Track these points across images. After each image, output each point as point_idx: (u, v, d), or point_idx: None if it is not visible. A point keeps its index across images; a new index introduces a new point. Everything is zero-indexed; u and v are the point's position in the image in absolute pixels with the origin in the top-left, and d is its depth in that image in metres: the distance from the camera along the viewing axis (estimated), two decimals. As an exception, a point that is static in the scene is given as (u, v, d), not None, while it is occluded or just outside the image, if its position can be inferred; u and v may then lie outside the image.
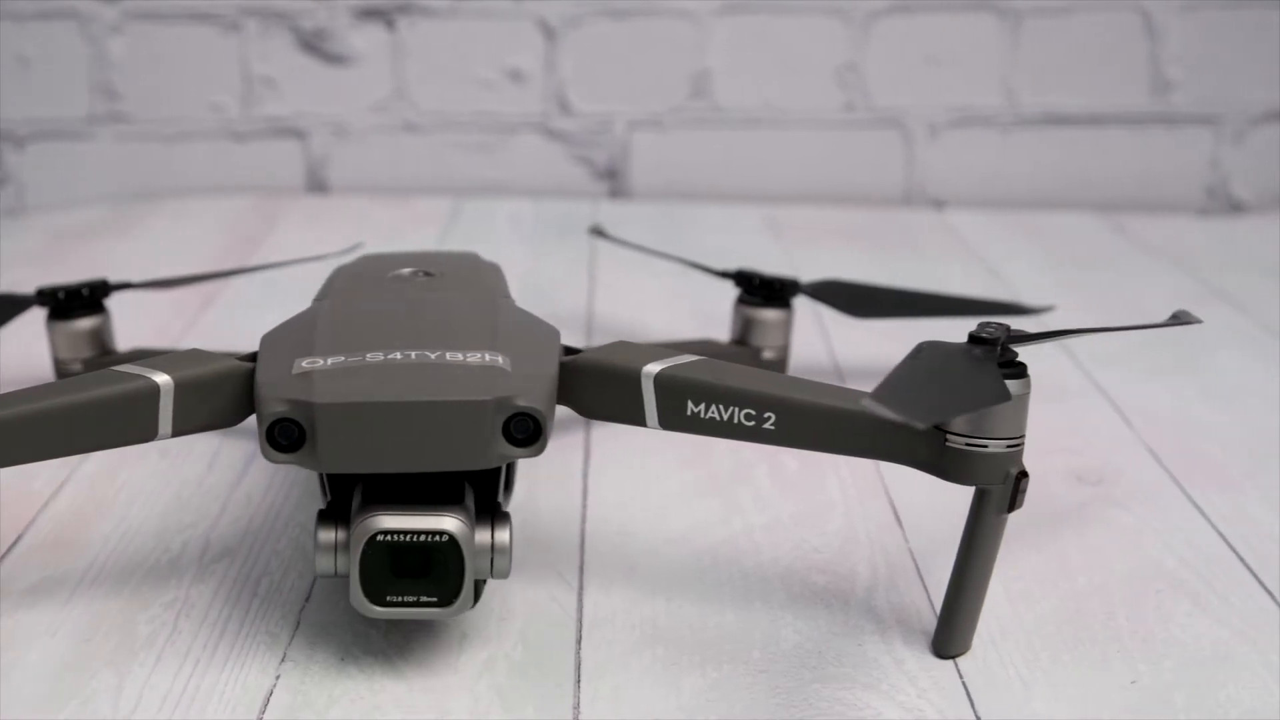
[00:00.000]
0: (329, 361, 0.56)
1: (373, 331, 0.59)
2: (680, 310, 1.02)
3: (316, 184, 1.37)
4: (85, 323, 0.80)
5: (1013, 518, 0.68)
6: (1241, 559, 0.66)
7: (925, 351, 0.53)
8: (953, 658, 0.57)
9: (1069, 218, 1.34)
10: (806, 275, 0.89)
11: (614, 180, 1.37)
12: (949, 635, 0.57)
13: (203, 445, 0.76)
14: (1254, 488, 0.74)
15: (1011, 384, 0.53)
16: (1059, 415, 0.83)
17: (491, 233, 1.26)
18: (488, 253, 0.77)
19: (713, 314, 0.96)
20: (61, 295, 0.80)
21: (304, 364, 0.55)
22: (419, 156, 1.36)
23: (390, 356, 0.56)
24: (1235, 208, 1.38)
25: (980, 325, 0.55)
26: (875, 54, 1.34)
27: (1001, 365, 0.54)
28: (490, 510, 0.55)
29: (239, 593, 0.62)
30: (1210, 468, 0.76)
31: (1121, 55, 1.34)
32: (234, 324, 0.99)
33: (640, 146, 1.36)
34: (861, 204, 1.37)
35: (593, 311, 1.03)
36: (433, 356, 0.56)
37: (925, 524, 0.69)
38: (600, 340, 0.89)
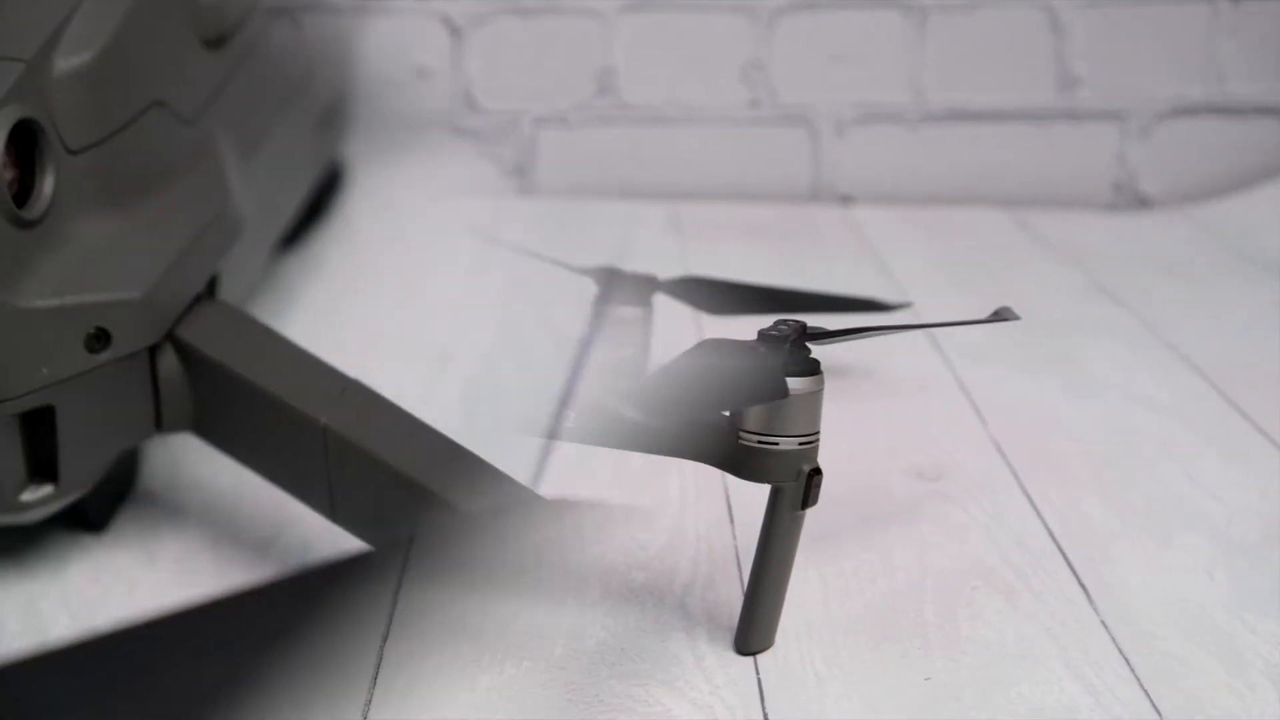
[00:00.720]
0: None
1: None
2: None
3: (224, 181, 1.36)
4: None
5: (844, 514, 0.69)
6: (1065, 556, 0.66)
7: (703, 349, 0.53)
8: (753, 654, 0.58)
9: (975, 213, 1.34)
10: (709, 272, 0.89)
11: (521, 177, 1.37)
12: (748, 632, 0.58)
13: None
14: (1095, 484, 0.74)
15: (797, 381, 0.53)
16: (912, 411, 0.83)
17: (393, 230, 1.26)
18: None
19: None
20: None
21: None
22: (325, 154, 1.36)
23: None
24: (1142, 203, 1.39)
25: (775, 323, 0.55)
26: (781, 51, 1.34)
27: (792, 363, 0.54)
28: None
29: None
30: (1055, 464, 0.77)
31: (1027, 51, 1.35)
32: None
33: (547, 143, 1.36)
34: (769, 200, 1.37)
35: (475, 309, 1.03)
36: None
37: (758, 523, 0.69)
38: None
